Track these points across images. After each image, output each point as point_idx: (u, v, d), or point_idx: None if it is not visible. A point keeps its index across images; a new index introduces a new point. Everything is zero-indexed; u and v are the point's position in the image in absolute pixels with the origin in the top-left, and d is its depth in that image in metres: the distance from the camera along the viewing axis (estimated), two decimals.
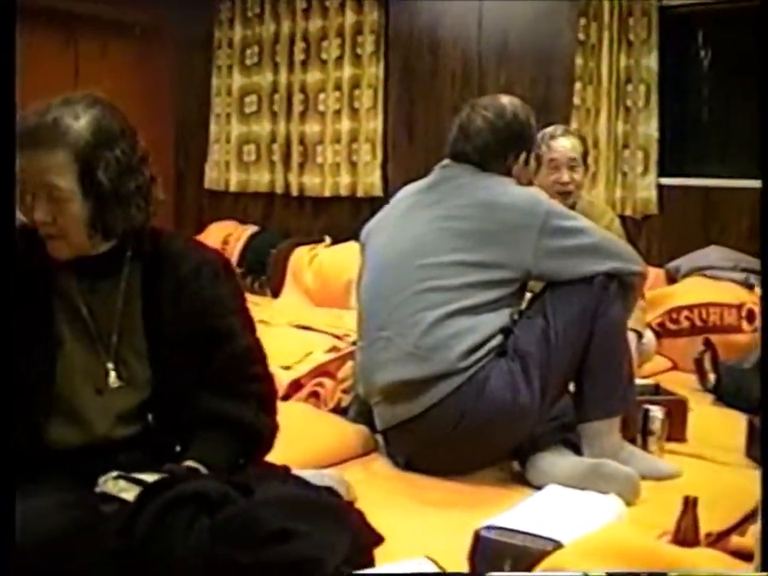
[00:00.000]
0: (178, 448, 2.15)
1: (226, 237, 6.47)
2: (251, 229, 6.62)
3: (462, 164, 2.99)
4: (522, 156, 3.03)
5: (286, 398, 3.41)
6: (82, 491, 2.01)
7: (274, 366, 3.55)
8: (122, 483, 1.98)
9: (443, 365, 2.77)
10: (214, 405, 2.14)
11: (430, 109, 6.01)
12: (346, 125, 6.31)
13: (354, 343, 4.14)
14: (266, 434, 2.21)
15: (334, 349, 4.13)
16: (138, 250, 2.15)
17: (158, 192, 2.12)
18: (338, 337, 4.42)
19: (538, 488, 2.57)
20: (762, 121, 2.22)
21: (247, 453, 2.16)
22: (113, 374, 2.13)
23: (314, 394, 3.37)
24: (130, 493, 1.95)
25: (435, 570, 1.99)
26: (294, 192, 6.58)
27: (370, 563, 1.98)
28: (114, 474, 2.02)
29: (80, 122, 2.00)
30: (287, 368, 3.72)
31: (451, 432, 2.78)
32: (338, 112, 6.37)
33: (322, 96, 6.45)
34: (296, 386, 3.43)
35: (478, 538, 2.09)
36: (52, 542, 1.82)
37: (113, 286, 2.14)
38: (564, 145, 3.81)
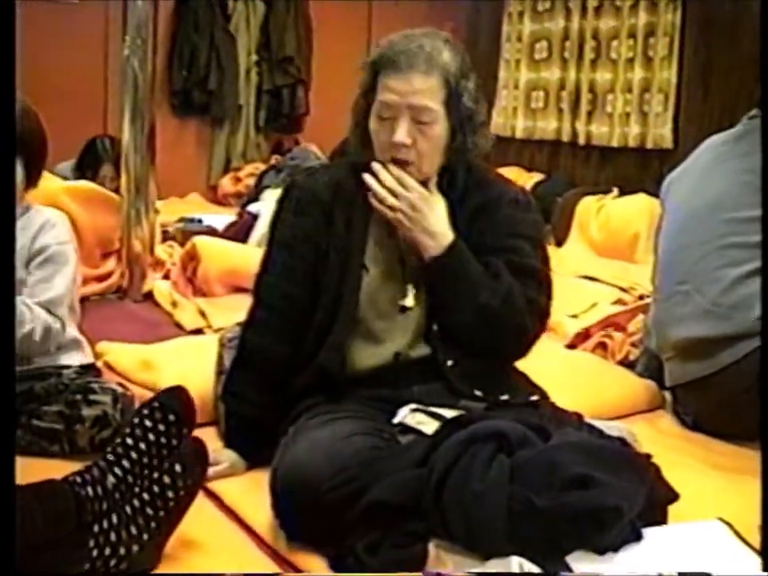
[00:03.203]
0: (449, 362, 2.18)
1: None
2: (536, 176, 6.58)
3: None
4: None
5: (571, 346, 3.38)
6: (379, 420, 2.08)
7: (560, 314, 3.56)
8: (419, 416, 2.03)
9: (743, 324, 2.65)
10: None
11: (729, 60, 5.71)
12: (638, 74, 6.10)
13: (640, 297, 4.06)
14: None
15: (619, 301, 4.06)
16: (452, 180, 2.23)
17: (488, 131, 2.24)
18: (623, 289, 4.34)
19: None
20: (763, 121, 2.08)
21: None
22: (411, 293, 2.20)
23: (602, 345, 3.32)
24: (428, 426, 1.99)
25: (729, 533, 1.92)
26: (581, 141, 6.45)
27: (663, 520, 1.94)
28: (413, 406, 2.07)
29: (446, 53, 2.13)
30: (574, 317, 3.69)
31: (743, 395, 2.65)
32: (630, 60, 6.17)
33: (614, 43, 6.27)
34: (584, 335, 3.39)
35: None
36: (352, 465, 1.88)
37: None
38: None
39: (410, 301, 2.20)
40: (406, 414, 2.07)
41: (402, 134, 2.10)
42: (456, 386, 2.16)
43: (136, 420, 1.90)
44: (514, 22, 6.98)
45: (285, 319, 2.22)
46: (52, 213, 2.50)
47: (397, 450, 1.97)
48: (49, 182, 3.43)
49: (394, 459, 1.91)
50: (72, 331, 2.48)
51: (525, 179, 6.48)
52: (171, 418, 1.88)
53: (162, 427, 1.88)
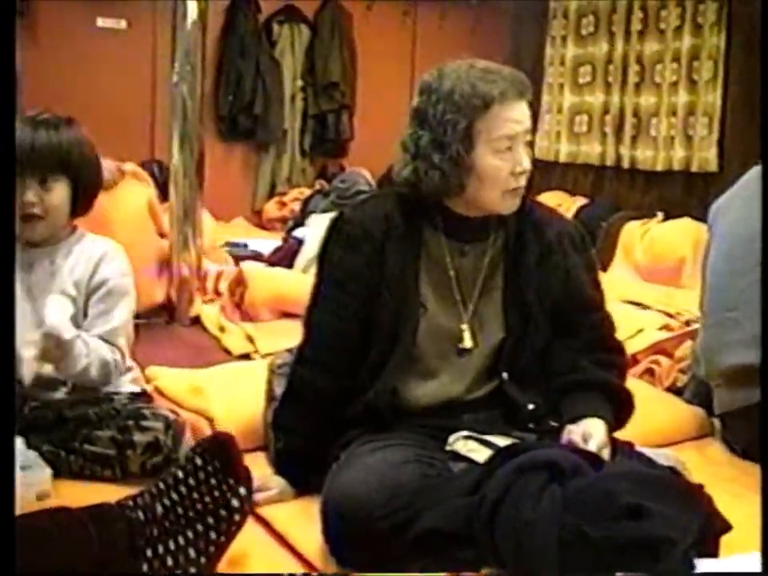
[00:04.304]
0: (530, 406, 2.19)
1: (556, 207, 6.43)
2: (580, 200, 6.56)
3: None
4: None
5: None
6: (431, 448, 2.09)
7: None
8: (471, 444, 2.04)
9: None
10: (584, 369, 2.21)
11: None
12: (682, 97, 6.08)
13: (686, 323, 4.04)
14: (632, 402, 2.24)
15: (666, 327, 4.03)
16: (504, 216, 2.22)
17: None
18: (669, 315, 4.30)
19: None
20: (763, 122, 2.07)
21: (619, 419, 2.19)
22: (467, 335, 2.20)
23: (649, 371, 3.31)
24: (479, 454, 1.99)
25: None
26: (626, 165, 6.44)
27: (715, 551, 1.92)
28: (464, 433, 2.07)
29: None
30: None
31: None
32: (674, 84, 6.15)
33: (658, 67, 6.26)
34: (631, 361, 3.37)
35: None
36: (404, 493, 1.90)
37: (480, 250, 2.23)
38: None
39: (468, 343, 2.21)
40: (457, 442, 2.08)
41: (527, 161, 2.14)
42: (520, 420, 2.19)
43: (187, 457, 1.94)
44: (557, 45, 6.99)
45: (335, 356, 2.22)
46: (109, 244, 2.54)
47: (449, 478, 1.98)
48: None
49: (446, 487, 1.92)
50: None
51: (568, 204, 6.46)
52: (217, 464, 1.91)
53: (210, 469, 1.91)
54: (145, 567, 1.80)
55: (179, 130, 4.12)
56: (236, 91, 7.07)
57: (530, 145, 2.16)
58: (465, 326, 2.21)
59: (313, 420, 2.23)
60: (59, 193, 2.42)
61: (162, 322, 4.16)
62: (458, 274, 2.22)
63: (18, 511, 1.81)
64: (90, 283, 2.44)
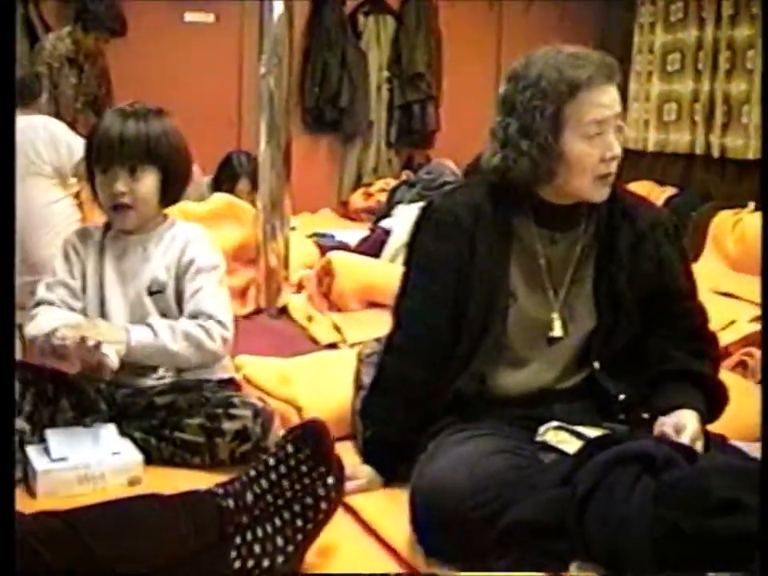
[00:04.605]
0: (622, 397, 2.17)
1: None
2: (669, 190, 6.45)
3: None
4: None
5: None
6: (520, 438, 2.08)
7: None
8: (561, 434, 2.02)
9: None
10: (677, 359, 2.18)
11: None
12: None
13: None
14: (726, 394, 2.20)
15: (758, 318, 3.95)
16: (594, 204, 2.19)
17: None
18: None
19: None
20: (763, 122, 1.98)
21: (712, 411, 2.16)
22: (557, 324, 2.18)
23: (742, 364, 3.24)
24: (570, 445, 1.97)
25: None
26: (716, 153, 6.31)
27: None
28: (554, 424, 2.05)
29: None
30: None
31: None
32: None
33: (750, 53, 6.11)
34: (723, 354, 3.31)
35: None
36: (494, 484, 1.88)
37: (571, 239, 2.21)
38: None
39: (558, 332, 2.20)
40: (547, 432, 2.06)
41: (617, 146, 2.11)
42: (611, 410, 2.17)
43: (278, 444, 1.95)
44: (646, 32, 6.89)
45: (425, 346, 2.21)
46: (195, 228, 2.60)
47: (539, 469, 1.96)
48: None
49: (537, 478, 1.90)
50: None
51: (657, 193, 6.36)
52: (308, 452, 1.91)
53: (301, 456, 1.91)
54: (233, 554, 1.81)
55: (266, 122, 4.14)
56: (322, 83, 7.10)
57: (620, 129, 2.12)
58: (555, 315, 2.19)
59: (402, 409, 2.23)
60: (148, 182, 2.46)
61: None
62: (549, 263, 2.20)
63: (110, 497, 1.85)
64: (179, 264, 2.49)
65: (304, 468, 1.89)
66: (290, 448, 1.91)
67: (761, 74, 2.08)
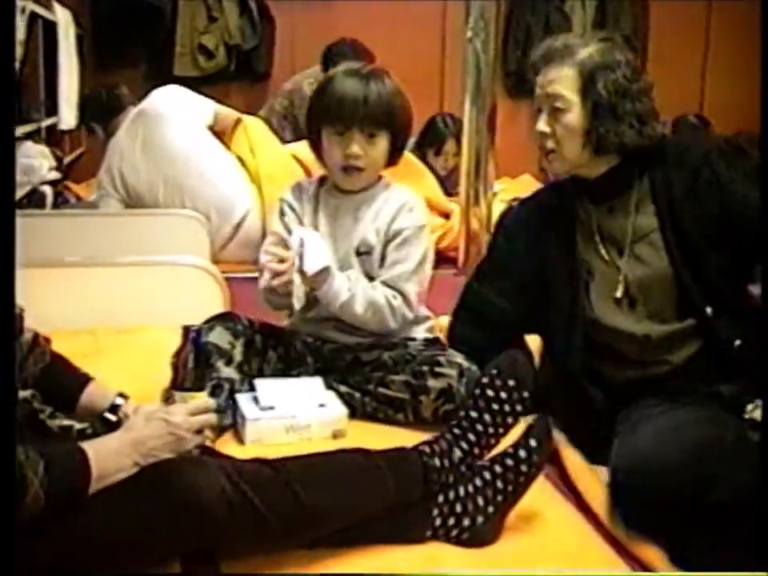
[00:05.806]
0: (737, 342, 2.14)
1: None
2: None
3: None
4: None
5: None
6: (714, 410, 2.02)
7: None
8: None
9: None
10: None
11: None
12: None
13: None
14: None
15: None
16: (643, 163, 2.23)
17: (655, 124, 2.23)
18: None
19: None
20: (762, 123, 2.06)
21: None
22: (633, 285, 2.22)
23: None
24: None
25: None
26: None
27: None
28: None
29: (588, 48, 2.23)
30: None
31: None
32: None
33: None
34: None
35: None
36: (701, 458, 1.83)
37: (626, 202, 2.24)
38: None
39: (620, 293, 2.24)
40: (755, 410, 1.99)
41: (540, 124, 2.25)
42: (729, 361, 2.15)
43: (477, 391, 1.95)
44: None
45: (487, 329, 2.46)
46: (410, 196, 2.57)
47: (748, 446, 1.90)
48: None
49: (745, 456, 1.84)
50: (419, 307, 2.56)
51: None
52: (511, 383, 1.92)
53: (503, 395, 1.92)
54: (435, 512, 1.84)
55: (472, 86, 4.14)
56: (525, 47, 7.02)
57: (560, 111, 2.22)
58: (621, 277, 2.23)
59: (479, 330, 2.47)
60: (381, 145, 2.47)
61: (451, 275, 4.22)
62: (608, 233, 2.26)
63: (314, 448, 1.89)
64: (388, 231, 2.49)
65: (508, 408, 1.92)
66: (489, 392, 1.93)
67: (761, 74, 2.03)
